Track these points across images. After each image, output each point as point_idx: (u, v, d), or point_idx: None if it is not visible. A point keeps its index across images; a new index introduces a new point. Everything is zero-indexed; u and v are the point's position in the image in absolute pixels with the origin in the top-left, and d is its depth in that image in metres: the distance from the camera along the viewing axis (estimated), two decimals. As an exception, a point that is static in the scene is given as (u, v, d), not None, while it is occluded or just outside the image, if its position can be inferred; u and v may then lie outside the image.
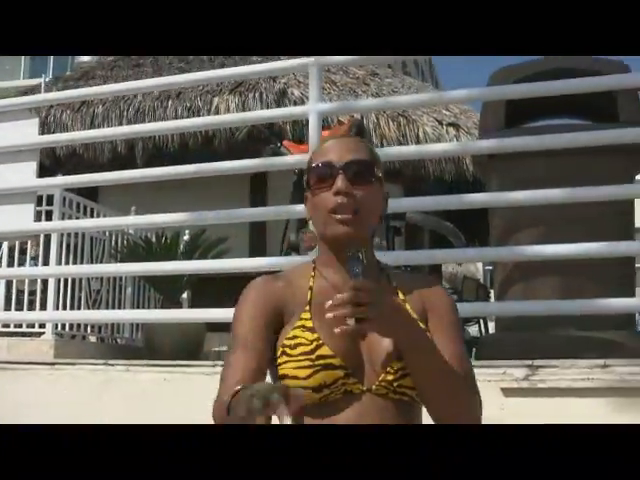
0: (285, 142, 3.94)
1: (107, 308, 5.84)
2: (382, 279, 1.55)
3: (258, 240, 7.81)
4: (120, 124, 7.71)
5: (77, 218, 5.50)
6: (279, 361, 1.46)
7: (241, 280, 1.63)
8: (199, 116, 7.37)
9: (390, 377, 1.43)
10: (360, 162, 1.51)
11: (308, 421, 1.43)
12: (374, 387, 1.43)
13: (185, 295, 6.22)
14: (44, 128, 7.49)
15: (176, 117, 7.48)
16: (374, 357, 1.45)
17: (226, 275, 5.12)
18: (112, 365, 3.32)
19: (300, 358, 1.43)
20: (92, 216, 5.75)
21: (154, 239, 5.68)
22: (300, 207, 3.42)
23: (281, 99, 7.41)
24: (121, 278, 6.08)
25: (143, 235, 6.07)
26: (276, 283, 1.55)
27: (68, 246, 5.50)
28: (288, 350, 1.45)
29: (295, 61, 3.40)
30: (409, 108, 7.28)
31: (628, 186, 3.25)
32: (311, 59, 3.30)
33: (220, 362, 3.25)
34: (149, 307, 6.35)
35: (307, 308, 1.49)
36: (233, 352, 1.47)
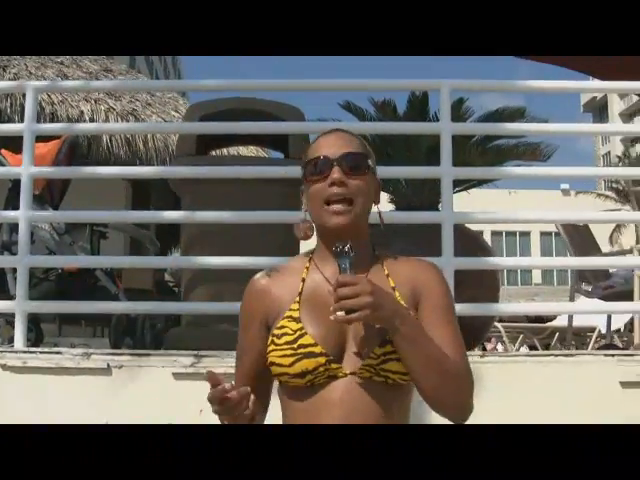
0: (3, 151, 4.29)
1: None
2: (375, 267, 1.61)
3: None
4: None
5: None
6: (268, 349, 1.56)
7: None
8: None
9: (373, 362, 1.50)
10: (354, 154, 1.59)
11: (298, 403, 1.54)
12: (358, 370, 1.51)
13: None
14: None
15: None
16: (360, 343, 1.52)
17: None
18: None
19: (284, 347, 1.53)
20: None
21: None
22: (12, 213, 3.85)
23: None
24: None
25: None
26: (269, 280, 1.63)
27: None
28: (275, 339, 1.55)
29: (13, 83, 3.79)
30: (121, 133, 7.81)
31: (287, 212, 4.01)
32: (29, 83, 3.69)
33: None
34: None
35: (297, 299, 1.57)
36: (236, 360, 1.67)
